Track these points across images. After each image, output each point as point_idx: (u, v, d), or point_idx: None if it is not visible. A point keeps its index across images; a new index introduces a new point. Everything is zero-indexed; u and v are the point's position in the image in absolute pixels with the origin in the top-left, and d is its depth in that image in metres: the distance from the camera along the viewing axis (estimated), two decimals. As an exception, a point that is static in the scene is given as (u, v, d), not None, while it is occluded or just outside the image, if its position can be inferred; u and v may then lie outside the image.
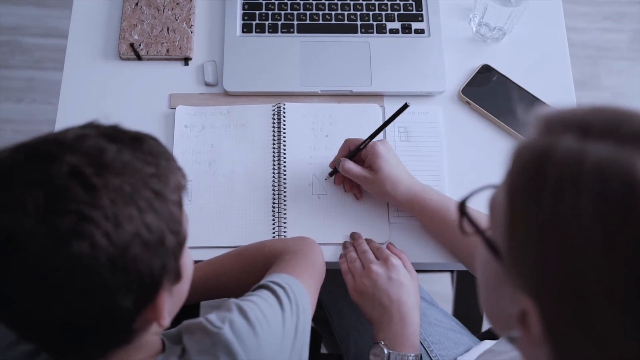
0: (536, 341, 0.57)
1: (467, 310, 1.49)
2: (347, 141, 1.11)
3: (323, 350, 1.41)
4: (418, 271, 1.08)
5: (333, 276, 1.09)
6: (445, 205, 1.06)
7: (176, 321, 0.81)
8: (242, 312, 0.80)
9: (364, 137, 1.09)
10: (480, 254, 0.65)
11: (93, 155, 0.66)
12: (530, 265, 0.56)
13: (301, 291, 0.89)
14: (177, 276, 0.72)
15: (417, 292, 1.03)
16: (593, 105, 0.58)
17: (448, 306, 1.62)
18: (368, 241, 1.09)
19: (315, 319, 1.36)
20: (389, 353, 0.96)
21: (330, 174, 1.14)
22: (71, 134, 0.68)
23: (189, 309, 1.27)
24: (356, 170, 1.08)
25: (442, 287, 1.82)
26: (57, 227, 0.62)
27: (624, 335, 0.53)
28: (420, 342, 1.10)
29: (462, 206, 0.64)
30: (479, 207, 0.67)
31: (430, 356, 1.09)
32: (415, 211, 1.09)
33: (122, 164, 0.66)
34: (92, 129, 0.70)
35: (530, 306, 0.56)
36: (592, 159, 0.53)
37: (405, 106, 1.06)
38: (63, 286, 0.63)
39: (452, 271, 1.67)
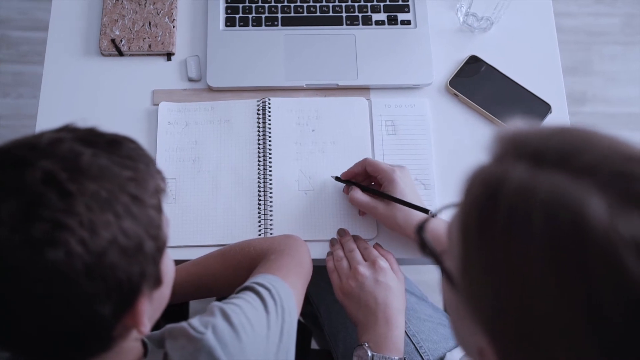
0: None
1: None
2: (365, 161, 1.06)
3: (314, 345, 1.39)
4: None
5: (321, 273, 1.07)
6: None
7: (166, 321, 0.80)
8: (226, 317, 0.79)
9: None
10: (442, 279, 0.63)
11: (68, 160, 0.64)
12: (484, 306, 0.54)
13: (287, 292, 0.87)
14: (157, 282, 0.71)
15: (404, 295, 1.01)
16: (553, 128, 0.55)
17: (437, 295, 1.61)
18: (355, 238, 1.08)
19: (304, 314, 1.35)
20: (373, 355, 0.95)
21: (337, 179, 1.11)
22: (45, 138, 0.66)
23: (178, 308, 1.27)
24: (364, 201, 1.05)
25: (432, 277, 1.81)
26: (31, 235, 0.60)
27: None
28: (410, 338, 1.09)
29: (420, 230, 0.62)
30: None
31: (419, 352, 1.08)
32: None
33: (99, 169, 0.65)
34: (68, 132, 0.68)
35: (486, 344, 0.55)
36: (542, 194, 0.50)
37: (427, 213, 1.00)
38: (39, 294, 0.62)
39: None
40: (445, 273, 0.60)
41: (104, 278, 0.63)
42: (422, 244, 0.62)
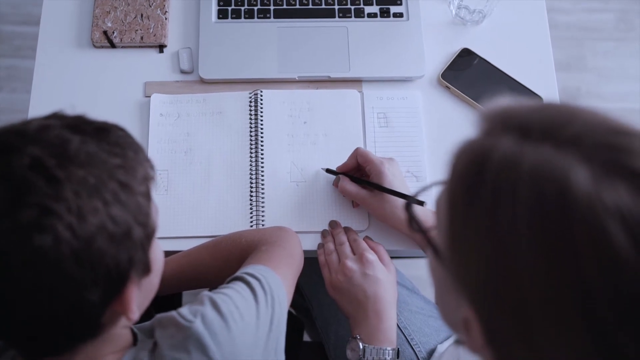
0: (479, 347, 0.57)
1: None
2: (357, 151, 1.07)
3: (306, 338, 1.39)
4: (400, 257, 1.06)
5: (313, 265, 1.07)
6: None
7: (159, 312, 0.80)
8: (215, 306, 0.78)
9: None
10: (429, 254, 0.64)
11: (56, 146, 0.64)
12: (470, 277, 0.55)
13: (277, 283, 0.87)
14: (145, 269, 0.71)
15: (395, 287, 1.01)
16: (539, 104, 0.56)
17: (429, 288, 1.61)
18: (347, 230, 1.07)
19: (296, 306, 1.35)
20: (365, 347, 0.95)
21: (327, 171, 1.11)
22: (34, 125, 0.66)
23: (170, 300, 1.27)
24: (353, 191, 1.06)
25: (424, 272, 1.81)
26: (19, 221, 0.60)
27: (564, 349, 0.51)
28: (401, 330, 1.09)
29: (408, 206, 0.63)
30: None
31: (410, 344, 1.09)
32: (416, 238, 1.05)
33: (87, 155, 0.65)
34: (56, 119, 0.68)
35: (472, 315, 0.55)
36: (528, 165, 0.51)
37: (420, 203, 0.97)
38: (28, 280, 0.62)
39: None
40: (432, 247, 0.60)
41: (92, 264, 0.63)
42: (410, 219, 0.63)
